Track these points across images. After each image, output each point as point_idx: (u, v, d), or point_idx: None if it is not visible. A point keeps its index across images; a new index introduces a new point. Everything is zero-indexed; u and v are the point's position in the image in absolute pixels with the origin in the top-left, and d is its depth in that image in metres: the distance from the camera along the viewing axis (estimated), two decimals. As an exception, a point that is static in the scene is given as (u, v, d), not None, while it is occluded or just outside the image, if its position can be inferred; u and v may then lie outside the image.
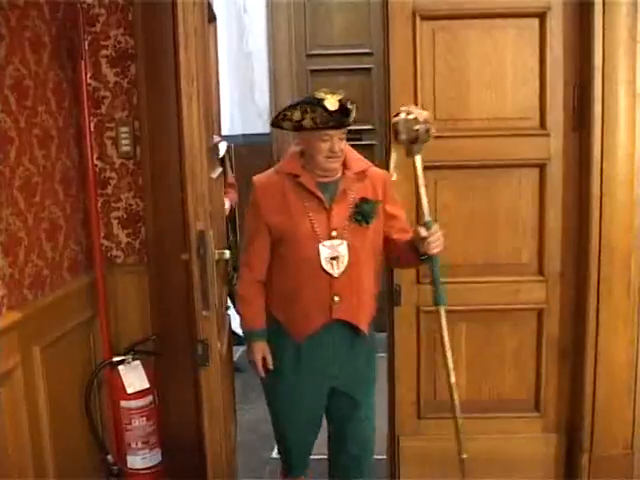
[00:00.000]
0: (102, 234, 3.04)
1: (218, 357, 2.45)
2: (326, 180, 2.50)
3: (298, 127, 2.45)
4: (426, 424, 3.17)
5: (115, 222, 3.06)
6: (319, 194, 2.48)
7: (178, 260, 2.74)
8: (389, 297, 3.05)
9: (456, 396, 2.57)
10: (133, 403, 2.93)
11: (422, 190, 2.50)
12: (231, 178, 4.64)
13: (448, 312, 3.00)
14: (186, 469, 2.94)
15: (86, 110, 2.90)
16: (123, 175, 3.04)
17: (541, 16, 2.95)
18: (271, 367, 2.58)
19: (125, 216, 3.06)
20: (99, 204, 3.02)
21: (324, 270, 2.46)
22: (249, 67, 5.16)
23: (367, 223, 2.50)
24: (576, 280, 3.06)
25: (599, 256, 2.92)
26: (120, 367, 2.95)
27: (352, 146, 2.89)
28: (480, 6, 2.94)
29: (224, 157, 4.47)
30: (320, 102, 2.38)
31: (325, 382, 2.59)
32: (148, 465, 3.01)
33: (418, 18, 2.94)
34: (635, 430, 3.06)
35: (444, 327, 2.57)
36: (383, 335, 3.11)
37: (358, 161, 2.58)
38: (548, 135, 2.99)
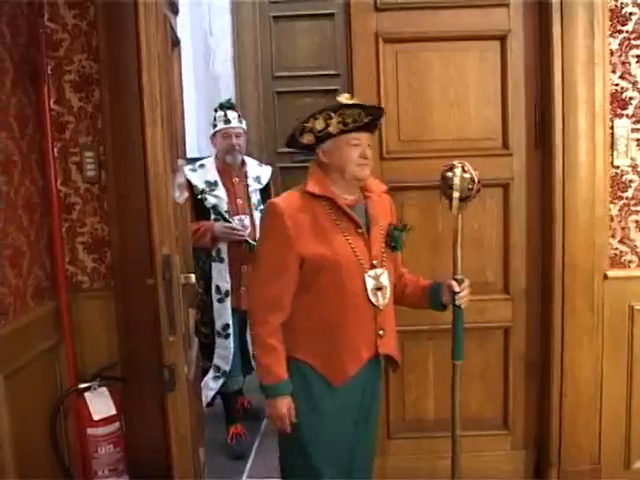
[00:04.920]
0: (67, 259, 3.01)
1: (185, 382, 2.43)
2: (354, 203, 2.36)
3: (323, 137, 2.31)
4: (396, 444, 3.18)
5: (80, 247, 3.04)
6: (357, 218, 2.33)
7: (144, 285, 2.71)
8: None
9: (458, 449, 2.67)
10: (100, 430, 2.89)
11: (458, 247, 2.53)
12: None
13: (415, 332, 3.06)
14: (154, 495, 2.91)
15: (49, 135, 2.88)
16: (88, 200, 3.02)
17: (502, 39, 3.01)
18: (294, 420, 2.34)
19: (90, 241, 3.04)
20: (64, 229, 2.99)
21: (371, 302, 2.33)
22: (215, 90, 5.18)
23: (400, 249, 2.44)
24: (541, 298, 3.10)
25: (563, 273, 2.96)
26: (86, 394, 2.92)
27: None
28: (442, 29, 2.99)
29: (269, 184, 4.04)
30: (339, 103, 2.29)
31: (353, 418, 2.44)
32: (116, 493, 2.97)
33: (381, 41, 2.98)
34: (602, 444, 3.10)
35: (457, 382, 2.62)
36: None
37: (375, 182, 2.49)
38: (511, 155, 3.03)
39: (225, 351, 3.81)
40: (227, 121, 3.83)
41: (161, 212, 2.29)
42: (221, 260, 3.75)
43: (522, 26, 3.00)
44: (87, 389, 2.93)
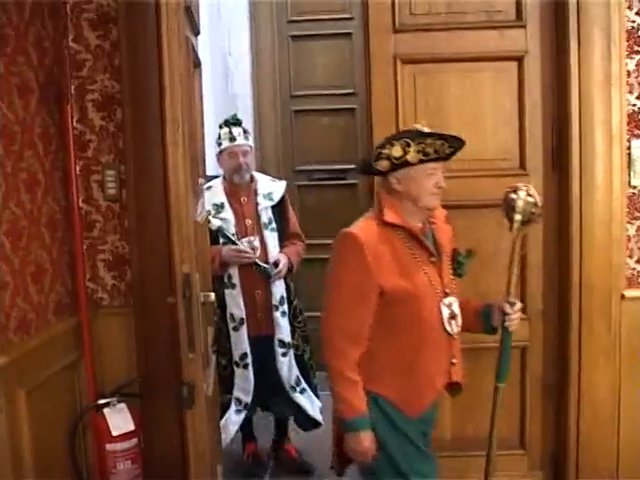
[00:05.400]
0: (88, 276, 3.04)
1: (204, 399, 2.45)
2: (422, 231, 2.35)
3: (400, 164, 2.26)
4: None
5: (101, 265, 3.06)
6: (432, 248, 2.33)
7: (163, 302, 2.73)
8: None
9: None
10: (118, 446, 2.90)
11: (515, 269, 2.49)
12: (294, 226, 3.87)
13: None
14: (172, 512, 2.92)
15: (72, 154, 2.92)
16: (109, 218, 3.05)
17: (519, 59, 3.03)
18: (375, 453, 2.32)
19: (111, 259, 3.06)
20: (85, 247, 3.03)
21: (446, 331, 2.33)
22: (234, 109, 5.21)
23: (464, 275, 2.43)
24: (558, 318, 3.10)
25: (580, 294, 2.97)
26: (105, 410, 2.93)
27: (336, 186, 2.95)
28: (459, 50, 3.02)
29: (284, 199, 3.79)
30: (417, 131, 2.27)
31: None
32: (134, 509, 2.98)
33: (399, 62, 3.02)
34: (619, 464, 3.08)
35: (498, 406, 2.59)
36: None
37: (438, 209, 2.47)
38: (528, 175, 3.05)
39: (245, 382, 3.64)
40: (232, 139, 3.67)
41: (181, 231, 2.32)
42: (233, 286, 3.60)
43: (539, 47, 3.03)
44: (106, 405, 2.95)
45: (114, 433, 2.90)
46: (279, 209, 3.75)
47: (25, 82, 2.66)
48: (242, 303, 3.60)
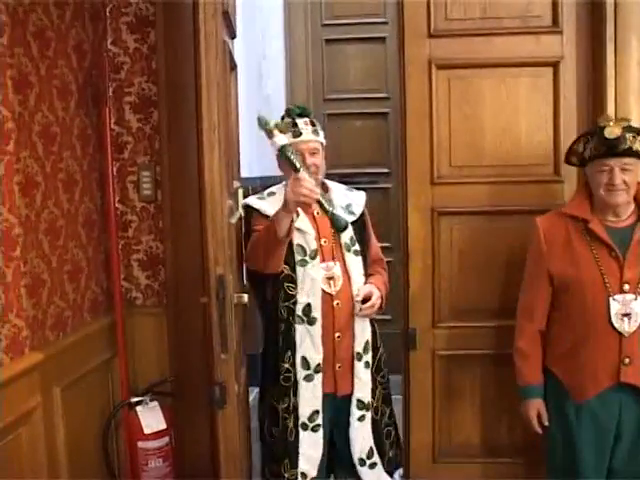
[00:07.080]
0: (122, 276, 3.08)
1: (235, 399, 2.47)
2: (618, 225, 2.39)
3: (583, 160, 2.44)
4: (441, 468, 3.16)
5: (135, 264, 3.11)
6: (610, 242, 2.35)
7: (196, 302, 2.76)
8: (404, 341, 3.07)
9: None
10: (150, 444, 2.94)
11: None
12: (377, 249, 2.99)
13: (463, 356, 3.04)
14: (201, 510, 2.95)
15: (109, 155, 2.97)
16: (144, 218, 3.10)
17: (554, 65, 3.01)
18: (546, 424, 2.54)
19: (145, 258, 3.11)
20: (120, 246, 3.07)
21: (613, 327, 2.32)
22: (267, 111, 5.23)
23: None
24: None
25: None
26: (138, 408, 2.97)
27: (367, 190, 2.94)
28: (494, 55, 3.00)
29: (364, 214, 2.93)
30: (599, 130, 2.33)
31: (608, 443, 2.42)
32: (164, 506, 3.02)
33: (434, 67, 3.01)
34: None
35: None
36: (398, 377, 3.17)
37: None
38: (562, 182, 3.02)
39: (313, 450, 2.72)
40: (297, 133, 2.78)
41: (216, 233, 2.34)
42: (312, 321, 2.67)
43: (575, 53, 3.00)
44: (139, 403, 2.99)
45: (146, 431, 2.95)
46: (360, 224, 2.90)
47: (65, 84, 2.72)
48: (321, 346, 2.68)
